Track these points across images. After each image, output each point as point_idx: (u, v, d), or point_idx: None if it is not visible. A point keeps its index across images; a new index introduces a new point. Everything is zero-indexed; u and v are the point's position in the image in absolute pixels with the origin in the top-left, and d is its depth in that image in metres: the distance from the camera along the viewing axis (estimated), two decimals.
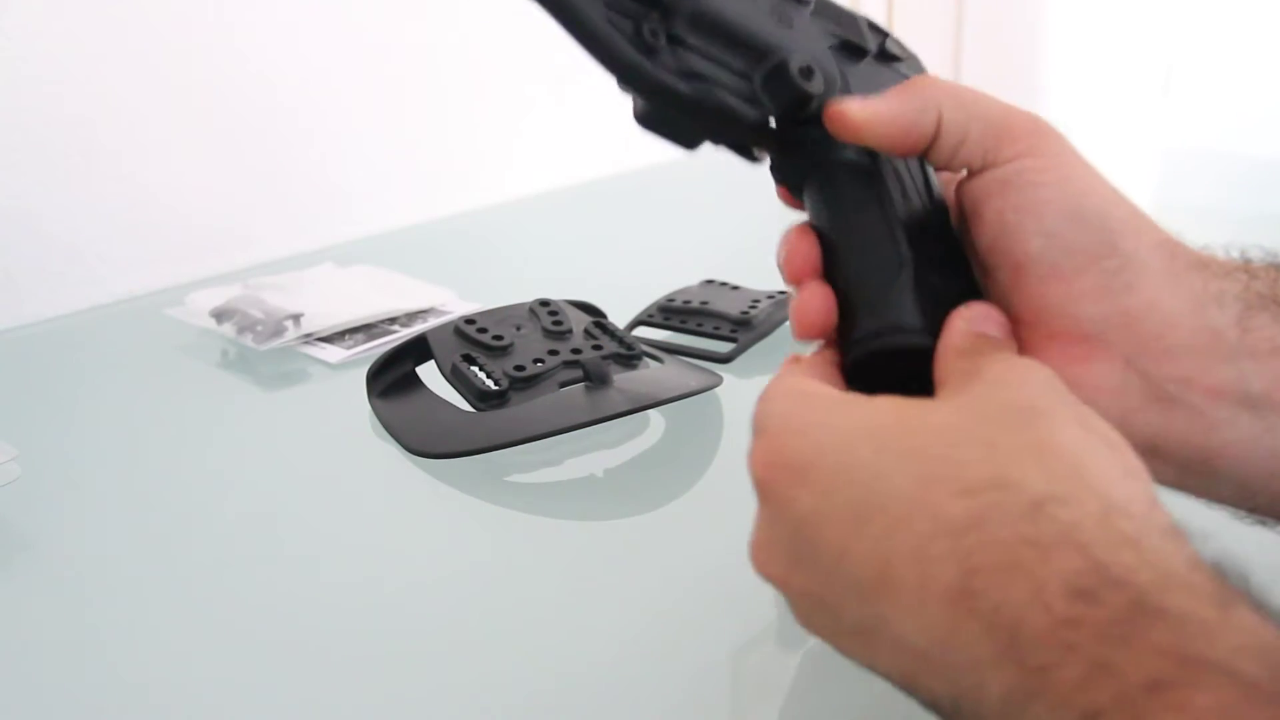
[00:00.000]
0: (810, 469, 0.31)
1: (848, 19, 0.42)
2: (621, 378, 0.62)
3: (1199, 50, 1.59)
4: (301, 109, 1.00)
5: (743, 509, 0.35)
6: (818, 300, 0.38)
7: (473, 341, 0.64)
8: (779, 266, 0.40)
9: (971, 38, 1.71)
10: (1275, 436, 0.36)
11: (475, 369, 0.62)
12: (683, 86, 0.38)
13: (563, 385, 0.61)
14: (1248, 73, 1.52)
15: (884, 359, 0.35)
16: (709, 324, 0.73)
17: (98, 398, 0.71)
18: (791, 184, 0.41)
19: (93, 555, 0.53)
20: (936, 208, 0.39)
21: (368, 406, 0.64)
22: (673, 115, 0.40)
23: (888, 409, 0.31)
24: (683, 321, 0.74)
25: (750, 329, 0.72)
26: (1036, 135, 0.37)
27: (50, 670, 0.45)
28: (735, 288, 0.78)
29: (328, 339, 0.75)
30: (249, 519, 0.57)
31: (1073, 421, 0.30)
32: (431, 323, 0.78)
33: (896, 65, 0.43)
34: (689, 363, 0.68)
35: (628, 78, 0.37)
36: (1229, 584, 0.26)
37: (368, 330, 0.77)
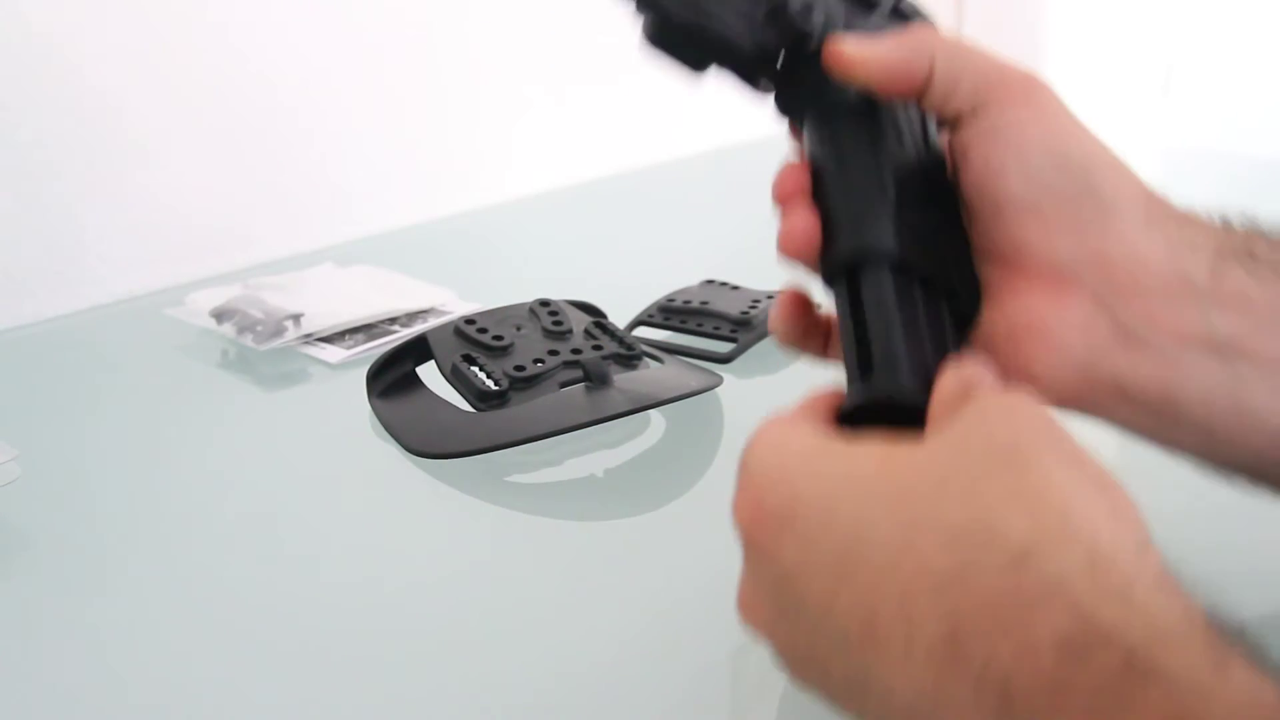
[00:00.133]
0: (794, 519, 0.30)
1: None
2: (621, 378, 0.62)
3: (1199, 50, 1.59)
4: (301, 109, 0.99)
5: None
6: (803, 221, 0.39)
7: (473, 341, 0.64)
8: (772, 190, 0.41)
9: (972, 38, 1.71)
10: (1239, 383, 0.37)
11: (475, 369, 0.62)
12: (689, 13, 0.40)
13: (563, 385, 0.61)
14: (1248, 73, 1.52)
15: (876, 411, 0.34)
16: (709, 324, 0.73)
17: (98, 398, 0.71)
18: (793, 117, 0.43)
19: (93, 555, 0.53)
20: (932, 157, 0.40)
21: (368, 406, 0.64)
22: (679, 39, 0.41)
23: (872, 455, 0.31)
24: (683, 321, 0.74)
25: (750, 329, 0.72)
26: (1027, 87, 0.38)
27: (50, 670, 0.45)
28: (735, 288, 0.78)
29: (328, 339, 0.75)
30: (249, 519, 0.57)
31: (1059, 462, 0.28)
32: (431, 323, 0.78)
33: (907, 22, 0.44)
34: (689, 363, 0.68)
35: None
36: (1223, 638, 0.25)
37: (368, 330, 0.77)
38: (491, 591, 0.50)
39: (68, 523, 0.55)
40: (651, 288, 0.78)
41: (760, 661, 0.43)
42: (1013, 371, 0.38)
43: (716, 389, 0.63)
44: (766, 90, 0.43)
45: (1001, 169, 0.38)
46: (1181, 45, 1.60)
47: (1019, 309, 0.38)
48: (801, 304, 0.43)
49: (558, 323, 0.66)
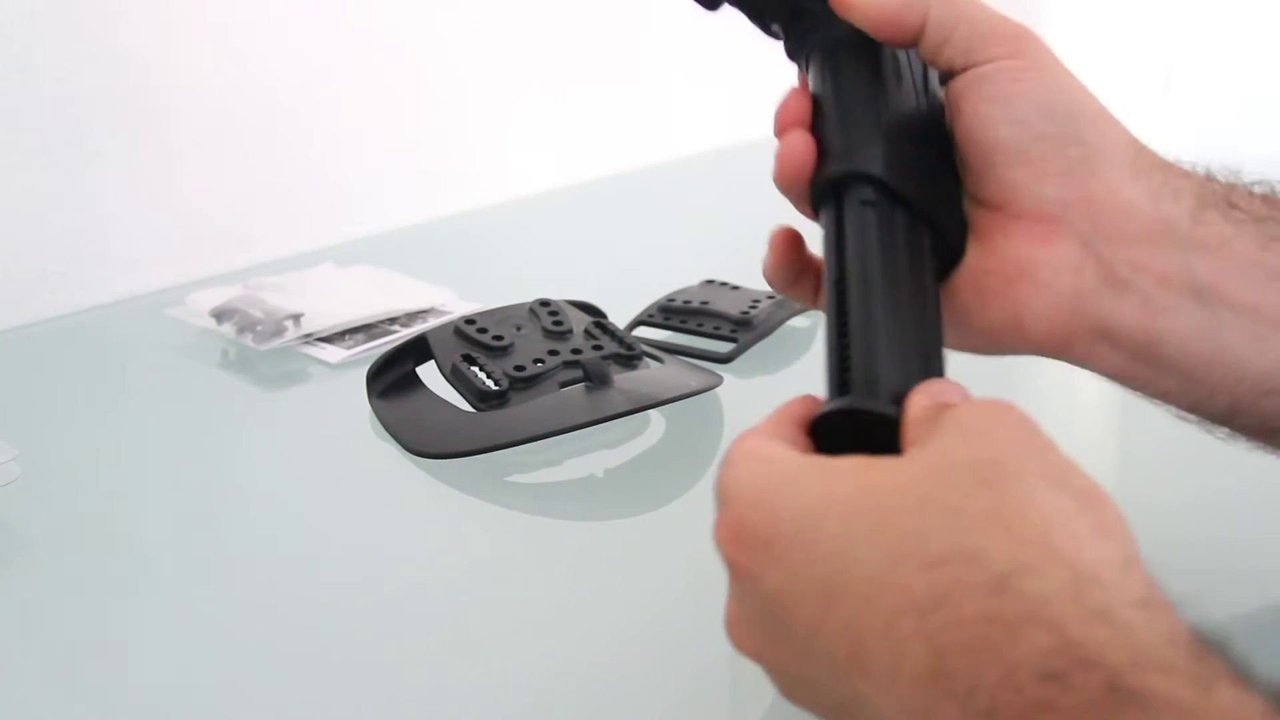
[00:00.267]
0: (775, 544, 0.30)
1: None
2: (621, 378, 0.62)
3: (1199, 51, 1.59)
4: (301, 109, 0.99)
5: None
6: (800, 146, 0.40)
7: (473, 341, 0.64)
8: (773, 120, 0.41)
9: None
10: (1218, 327, 0.38)
11: (475, 369, 0.62)
12: None
13: (563, 385, 0.61)
14: (1248, 74, 1.52)
15: (848, 419, 0.34)
16: (709, 324, 0.73)
17: (98, 398, 0.71)
18: (801, 63, 0.44)
19: (92, 555, 0.53)
20: (930, 103, 0.41)
21: (368, 406, 0.64)
22: None
23: (850, 474, 0.30)
24: (683, 321, 0.74)
25: (750, 329, 0.72)
26: (1019, 40, 0.39)
27: (50, 670, 0.45)
28: (735, 288, 0.78)
29: (328, 339, 0.75)
30: (249, 519, 0.57)
31: (1041, 477, 0.28)
32: (431, 323, 0.78)
33: None
34: (689, 363, 0.68)
35: None
36: (1207, 657, 0.25)
37: (368, 330, 0.77)
38: (491, 591, 0.50)
39: (68, 523, 0.55)
40: (651, 288, 0.78)
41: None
42: (1004, 312, 0.39)
43: (716, 389, 0.63)
44: (777, 35, 0.45)
45: (991, 116, 0.39)
46: (1181, 46, 1.60)
47: (1010, 250, 0.39)
48: (793, 241, 0.44)
49: (558, 323, 0.66)
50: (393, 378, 0.65)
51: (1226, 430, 0.41)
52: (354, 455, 0.62)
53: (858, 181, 0.39)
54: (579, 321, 0.67)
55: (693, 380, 0.63)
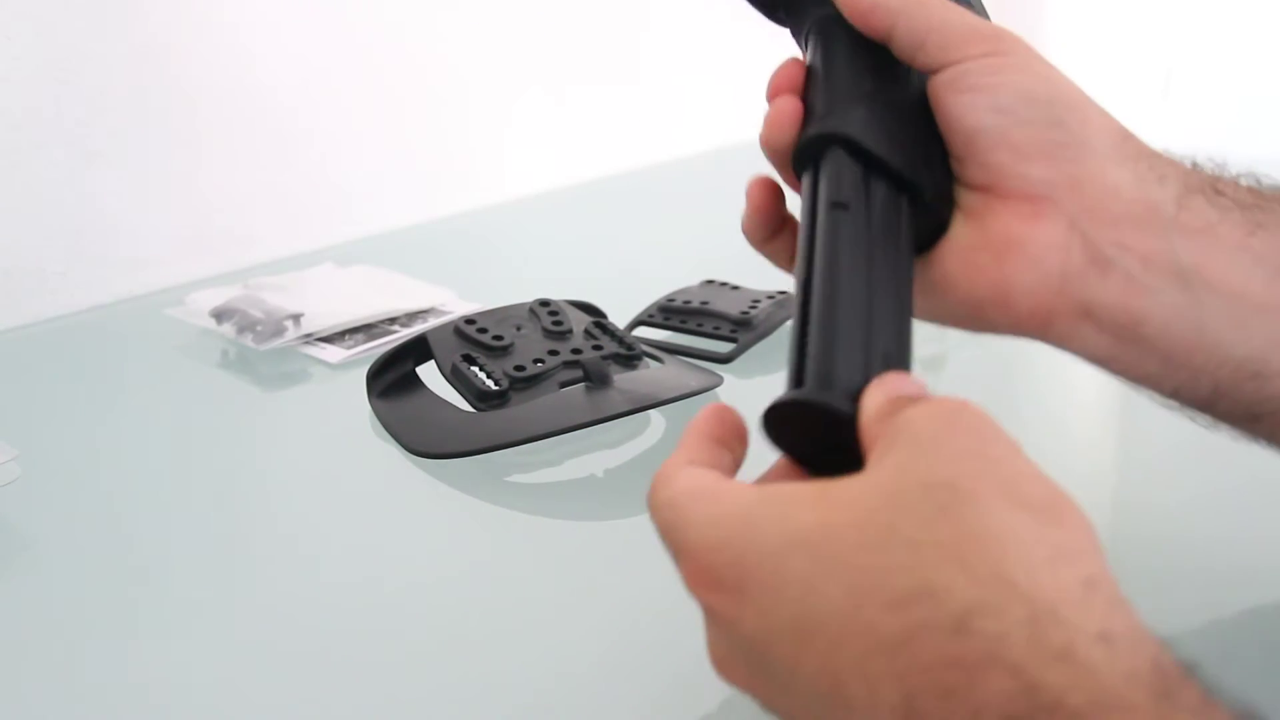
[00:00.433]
0: (745, 587, 0.29)
1: None
2: (621, 378, 0.62)
3: (1199, 53, 1.59)
4: (301, 109, 0.99)
5: None
6: (787, 109, 0.41)
7: (473, 341, 0.64)
8: (766, 87, 0.42)
9: None
10: (1201, 310, 0.38)
11: (475, 369, 0.62)
12: None
13: (563, 385, 0.61)
14: (1248, 75, 1.52)
15: (799, 410, 0.34)
16: (709, 324, 0.73)
17: (98, 398, 0.71)
18: (801, 37, 0.45)
19: (93, 555, 0.53)
20: (919, 79, 0.41)
21: (368, 406, 0.64)
22: None
23: (806, 507, 0.30)
24: (683, 321, 0.74)
25: (750, 329, 0.72)
26: (998, 39, 0.40)
27: (50, 670, 0.45)
28: (735, 288, 0.78)
29: (328, 339, 0.75)
30: (249, 519, 0.57)
31: (996, 495, 0.28)
32: (431, 323, 0.78)
33: None
34: (689, 363, 0.68)
35: None
36: (1170, 691, 0.25)
37: (368, 330, 0.77)
38: (491, 591, 0.50)
39: (68, 523, 0.55)
40: (651, 288, 0.78)
41: None
42: (992, 286, 0.39)
43: (716, 389, 0.63)
44: (783, 21, 0.46)
45: (972, 104, 0.39)
46: (1181, 48, 1.60)
47: (1000, 226, 0.39)
48: (770, 190, 0.44)
49: (558, 323, 0.66)
50: (393, 378, 0.65)
51: (1209, 418, 0.41)
52: (354, 455, 0.62)
53: (835, 146, 0.40)
54: (579, 321, 0.67)
55: (693, 380, 0.63)
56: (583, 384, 0.61)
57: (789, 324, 0.76)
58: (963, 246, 0.40)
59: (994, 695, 0.25)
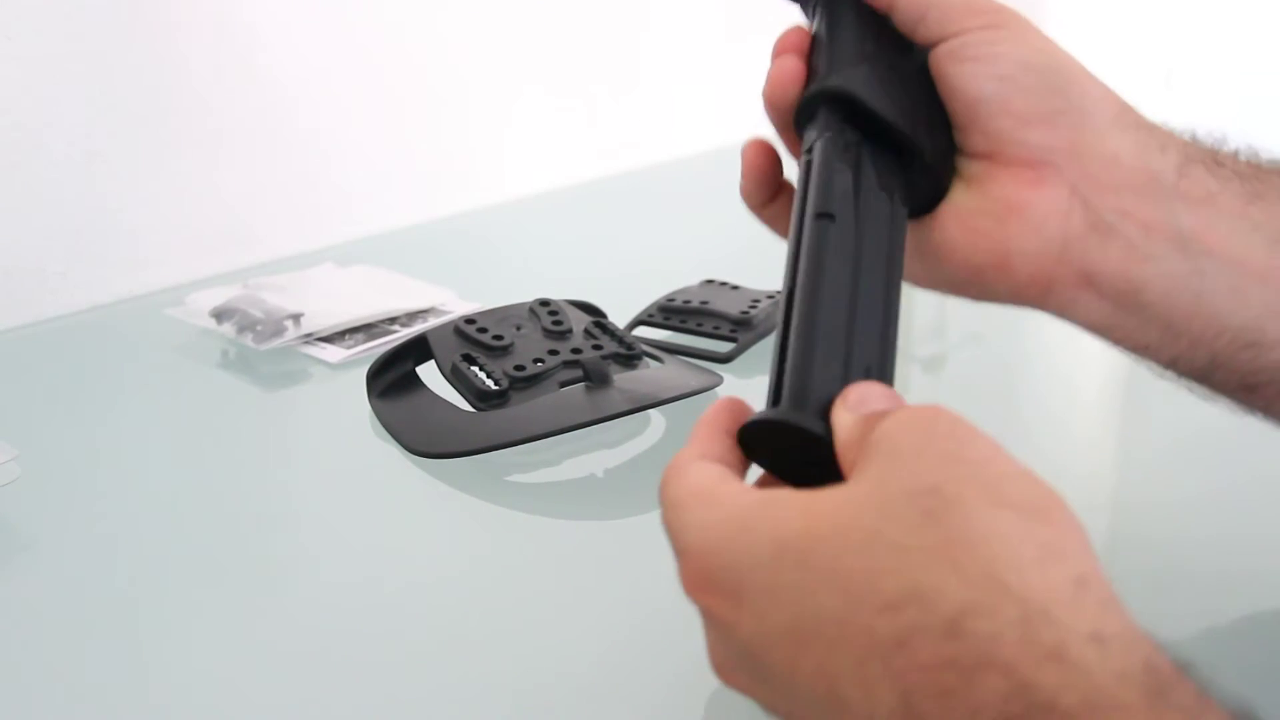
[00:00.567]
0: (741, 591, 0.30)
1: None
2: (621, 378, 0.62)
3: (1199, 52, 1.59)
4: (301, 109, 0.99)
5: None
6: (789, 67, 0.42)
7: (473, 341, 0.64)
8: (772, 50, 0.43)
9: None
10: (1200, 278, 0.39)
11: (475, 369, 0.62)
12: None
13: (563, 385, 0.61)
14: (1248, 75, 1.52)
15: (776, 429, 0.34)
16: (709, 324, 0.73)
17: (98, 398, 0.71)
18: (808, 6, 0.45)
19: (93, 555, 0.53)
20: (919, 55, 0.41)
21: (368, 406, 0.64)
22: None
23: (797, 514, 0.30)
24: (683, 321, 0.74)
25: (750, 329, 0.72)
26: (996, 13, 0.40)
27: (50, 670, 0.45)
28: (735, 288, 0.78)
29: (328, 339, 0.75)
30: (249, 519, 0.57)
31: (981, 499, 0.28)
32: (431, 323, 0.78)
33: None
34: (689, 363, 0.68)
35: None
36: (1162, 690, 0.25)
37: (368, 330, 0.77)
38: (491, 591, 0.50)
39: (68, 523, 0.55)
40: (651, 288, 0.78)
41: None
42: (993, 251, 0.40)
43: (716, 389, 0.63)
44: None
45: (974, 73, 0.39)
46: (1181, 47, 1.60)
47: (1000, 191, 0.40)
48: (766, 153, 0.44)
49: (558, 322, 0.66)
50: (393, 378, 0.65)
51: (1206, 388, 0.42)
52: (354, 455, 0.62)
53: (832, 110, 0.40)
54: (579, 321, 0.67)
55: (693, 380, 0.63)
56: (583, 384, 0.61)
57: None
58: (964, 211, 0.40)
59: (990, 695, 0.25)
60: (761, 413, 0.35)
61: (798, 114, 0.42)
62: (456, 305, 0.81)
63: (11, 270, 0.84)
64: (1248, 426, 0.44)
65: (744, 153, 0.44)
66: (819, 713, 0.29)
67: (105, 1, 0.85)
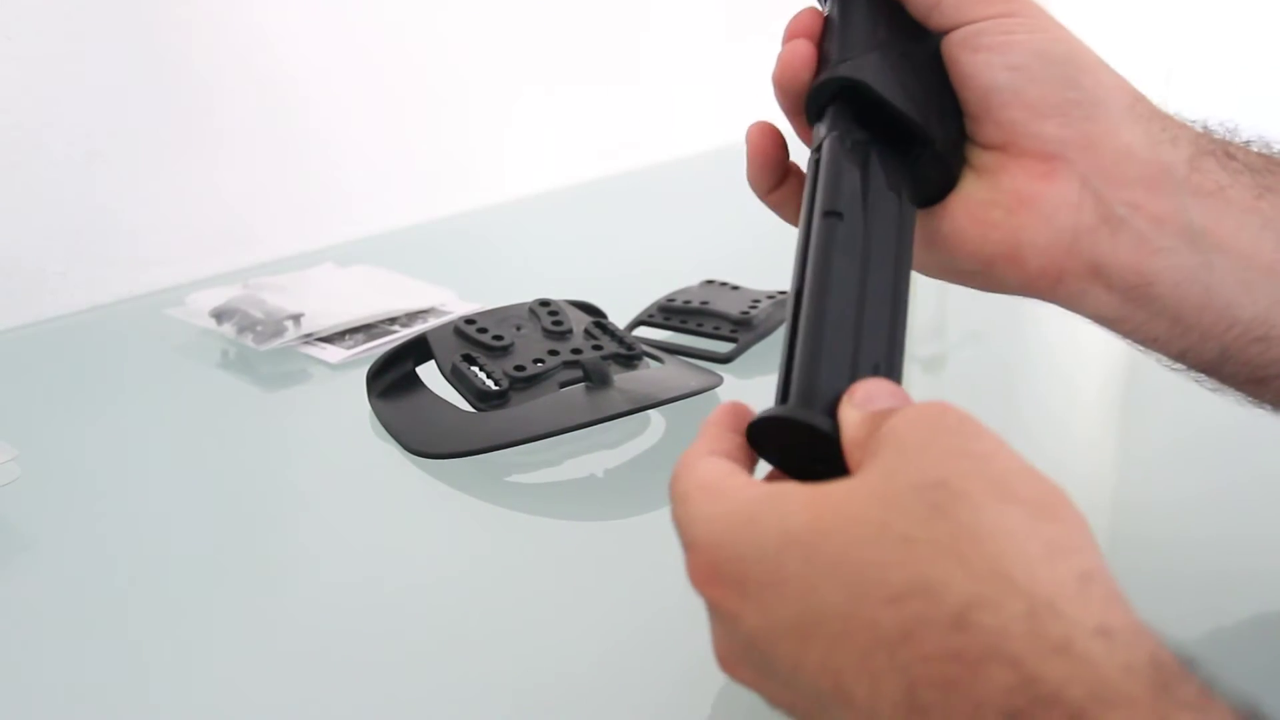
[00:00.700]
0: (746, 582, 0.30)
1: None
2: (622, 378, 0.62)
3: (1199, 51, 1.59)
4: (301, 109, 0.99)
5: None
6: (800, 51, 0.42)
7: (473, 341, 0.64)
8: (783, 32, 0.43)
9: None
10: (1210, 272, 0.39)
11: (475, 369, 0.62)
12: None
13: (563, 385, 0.61)
14: (1248, 75, 1.52)
15: (783, 425, 0.34)
16: (709, 324, 0.73)
17: (98, 398, 0.71)
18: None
19: (93, 555, 0.53)
20: (932, 41, 0.41)
21: (368, 406, 0.64)
22: None
23: (803, 507, 0.30)
24: (683, 321, 0.74)
25: (750, 329, 0.72)
26: (1010, 1, 0.40)
27: (50, 670, 0.45)
28: (735, 288, 0.78)
29: (328, 339, 0.75)
30: (249, 519, 0.57)
31: (988, 493, 0.28)
32: (431, 323, 0.78)
33: None
34: (689, 363, 0.68)
35: None
36: (1169, 684, 0.25)
37: (368, 330, 0.77)
38: (491, 591, 0.50)
39: (68, 523, 0.55)
40: (651, 288, 0.78)
41: None
42: (1004, 242, 0.40)
43: (716, 389, 0.63)
44: None
45: (988, 63, 0.39)
46: (1181, 48, 1.60)
47: (1012, 182, 0.39)
48: (771, 136, 0.44)
49: (558, 323, 0.66)
50: (393, 378, 0.65)
51: (1215, 381, 0.42)
52: (354, 455, 0.62)
53: (842, 101, 0.40)
54: (579, 321, 0.67)
55: (693, 380, 0.63)
56: (583, 384, 0.61)
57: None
58: (975, 202, 0.40)
59: (995, 688, 0.25)
60: (770, 409, 0.35)
61: (808, 100, 0.42)
62: (456, 305, 0.81)
63: (11, 270, 0.84)
64: (1248, 426, 0.44)
65: (748, 136, 0.44)
66: (823, 705, 0.29)
67: (105, 1, 0.85)
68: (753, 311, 0.73)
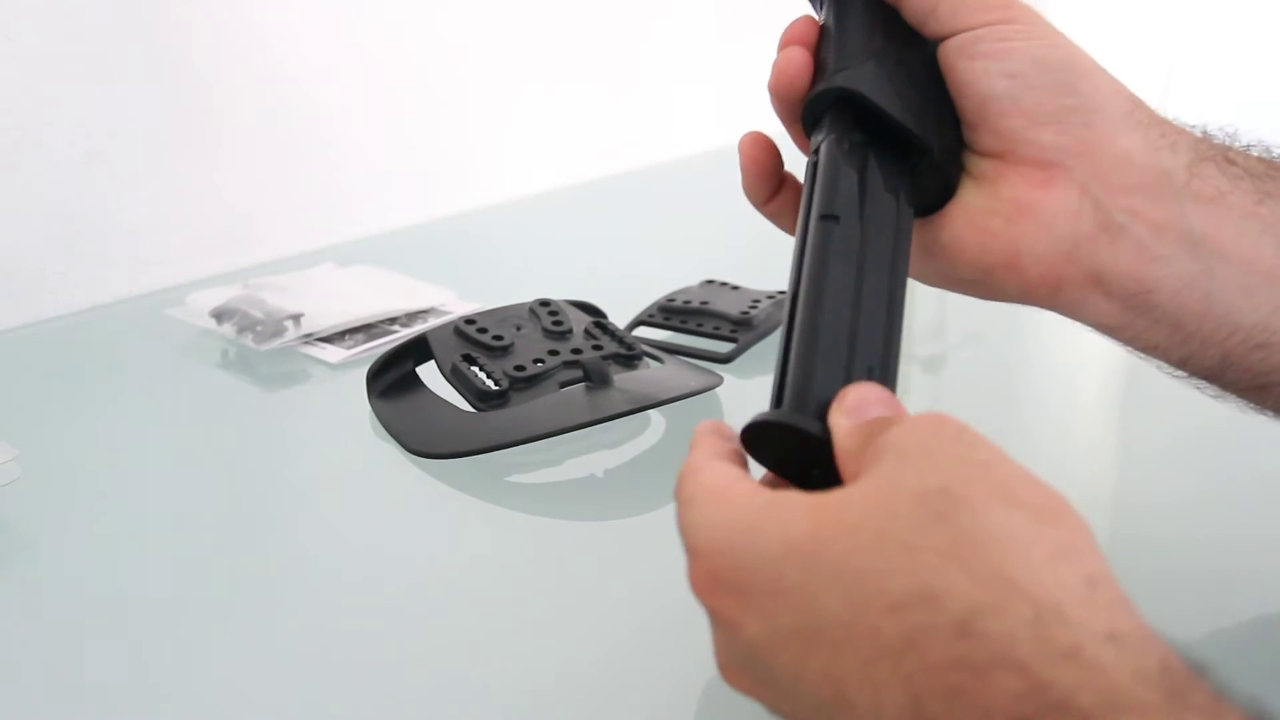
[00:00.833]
0: (747, 591, 0.30)
1: None
2: (622, 378, 0.62)
3: (1198, 52, 1.59)
4: (302, 109, 0.99)
5: None
6: (796, 59, 0.42)
7: (473, 341, 0.64)
8: (779, 40, 0.42)
9: None
10: (1210, 278, 0.38)
11: (475, 369, 0.62)
12: None
13: (563, 385, 0.61)
14: (1247, 75, 1.52)
15: (776, 430, 0.35)
16: (709, 324, 0.73)
17: (98, 398, 0.71)
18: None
19: (93, 556, 0.53)
20: (929, 48, 0.41)
21: (368, 406, 0.64)
22: None
23: (803, 515, 0.30)
24: (683, 321, 0.74)
25: (750, 329, 0.72)
26: (1008, 7, 0.40)
27: (50, 670, 0.45)
28: (735, 288, 0.78)
29: (328, 339, 0.75)
30: (249, 519, 0.57)
31: (991, 499, 0.28)
32: (431, 323, 0.78)
33: None
34: (689, 363, 0.68)
35: None
36: (1179, 688, 0.25)
37: (368, 330, 0.77)
38: (491, 591, 0.50)
39: (68, 523, 0.55)
40: (651, 288, 0.78)
41: None
42: (1003, 250, 0.39)
43: (716, 389, 0.63)
44: None
45: (985, 70, 0.39)
46: (1181, 47, 1.60)
47: (1010, 191, 0.39)
48: (763, 146, 0.44)
49: (558, 323, 0.66)
50: (393, 378, 0.65)
51: (1216, 388, 0.42)
52: (354, 455, 0.62)
53: (839, 108, 0.40)
54: (579, 321, 0.67)
55: (693, 380, 0.63)
56: (583, 384, 0.61)
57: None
58: (974, 210, 0.40)
59: (1002, 695, 0.25)
60: (763, 414, 0.35)
61: (805, 110, 0.42)
62: (456, 305, 0.81)
63: (11, 270, 0.84)
64: (1248, 427, 0.44)
65: (741, 147, 0.44)
66: (825, 715, 0.28)
67: (105, 1, 0.85)
68: (753, 311, 0.73)
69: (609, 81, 1.22)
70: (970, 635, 0.26)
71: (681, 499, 0.33)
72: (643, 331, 0.74)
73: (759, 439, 0.35)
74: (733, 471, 0.33)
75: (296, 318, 0.75)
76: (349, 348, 0.74)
